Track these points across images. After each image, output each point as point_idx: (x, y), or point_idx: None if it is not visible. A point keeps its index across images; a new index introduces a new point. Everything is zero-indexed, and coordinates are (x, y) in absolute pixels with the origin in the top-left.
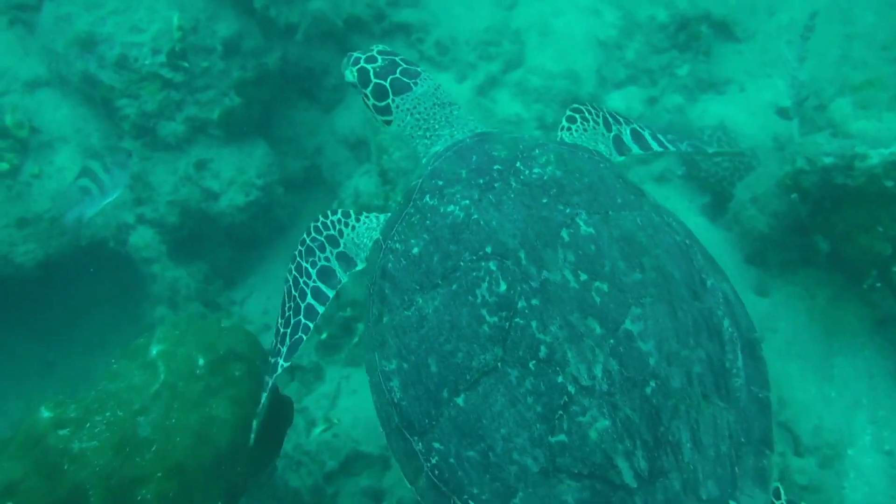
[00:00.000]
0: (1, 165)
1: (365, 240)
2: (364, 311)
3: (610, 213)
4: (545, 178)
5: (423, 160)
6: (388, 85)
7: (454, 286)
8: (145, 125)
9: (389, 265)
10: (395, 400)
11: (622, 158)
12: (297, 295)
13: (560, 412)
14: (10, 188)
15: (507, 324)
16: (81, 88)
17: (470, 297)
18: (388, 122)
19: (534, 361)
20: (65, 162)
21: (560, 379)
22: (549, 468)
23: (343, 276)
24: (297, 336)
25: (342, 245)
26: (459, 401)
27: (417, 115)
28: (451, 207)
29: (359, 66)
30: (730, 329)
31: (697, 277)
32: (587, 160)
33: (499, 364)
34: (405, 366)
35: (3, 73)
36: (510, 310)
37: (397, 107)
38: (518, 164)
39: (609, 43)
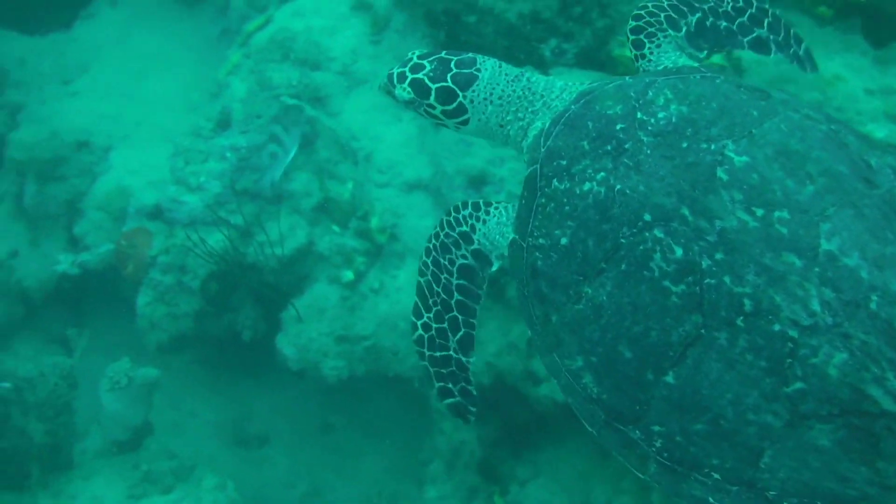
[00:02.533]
0: (346, 274)
1: (496, 235)
2: (525, 320)
3: (753, 131)
4: (673, 120)
5: (525, 143)
6: (450, 83)
7: (622, 266)
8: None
9: (539, 263)
10: (594, 395)
11: (703, 54)
12: (440, 291)
13: (788, 360)
14: (346, 299)
15: (698, 288)
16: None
17: (645, 273)
18: (465, 122)
19: (741, 318)
20: (407, 278)
21: (777, 327)
22: (794, 419)
23: (485, 276)
24: (461, 332)
25: (476, 242)
26: (668, 379)
27: (499, 101)
28: (588, 185)
29: (408, 79)
30: None
31: (861, 162)
32: (700, 81)
33: (702, 331)
34: (593, 359)
35: (391, 164)
36: (696, 273)
37: (471, 101)
38: (639, 114)
39: None
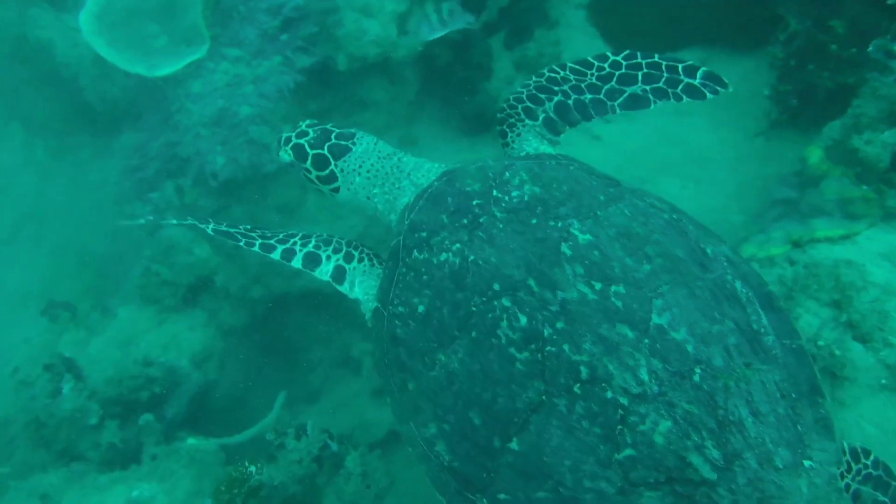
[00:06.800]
0: None
1: (358, 276)
2: (385, 385)
3: (598, 213)
4: (525, 198)
5: (393, 216)
6: (326, 152)
7: (473, 333)
8: None
9: (398, 331)
10: (446, 463)
11: (561, 137)
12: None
13: (619, 427)
14: None
15: (540, 355)
16: None
17: (493, 340)
18: (337, 190)
19: (578, 385)
20: None
21: (609, 394)
22: (626, 486)
23: (322, 276)
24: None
25: (349, 271)
26: (513, 446)
27: (366, 174)
28: (444, 255)
29: (291, 143)
30: (744, 290)
31: (698, 249)
32: (556, 167)
33: (544, 397)
34: (446, 427)
35: None
36: (538, 340)
37: (341, 170)
38: (494, 192)
39: None
